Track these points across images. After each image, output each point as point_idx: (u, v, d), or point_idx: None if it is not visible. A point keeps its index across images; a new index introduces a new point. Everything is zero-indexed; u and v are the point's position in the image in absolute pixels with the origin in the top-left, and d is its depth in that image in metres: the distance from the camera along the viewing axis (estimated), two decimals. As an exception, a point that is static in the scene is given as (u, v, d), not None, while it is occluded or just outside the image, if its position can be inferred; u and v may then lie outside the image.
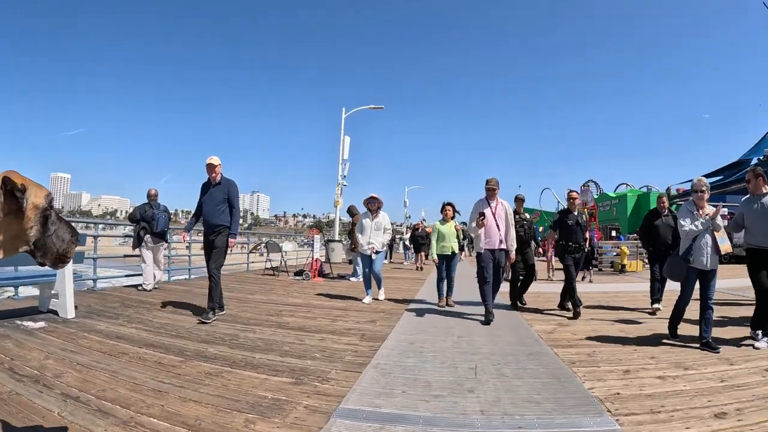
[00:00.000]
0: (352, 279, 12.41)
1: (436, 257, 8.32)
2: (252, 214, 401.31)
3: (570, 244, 7.42)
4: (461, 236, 9.13)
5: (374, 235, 8.51)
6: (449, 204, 8.80)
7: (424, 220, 19.59)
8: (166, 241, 9.63)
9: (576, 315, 6.94)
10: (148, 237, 9.16)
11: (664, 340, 5.36)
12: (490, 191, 6.87)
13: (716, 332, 5.28)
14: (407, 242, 26.19)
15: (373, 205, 8.73)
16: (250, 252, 14.72)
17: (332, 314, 7.01)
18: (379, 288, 8.83)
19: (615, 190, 39.84)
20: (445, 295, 8.39)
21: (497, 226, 6.77)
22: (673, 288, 6.11)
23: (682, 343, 5.20)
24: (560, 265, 7.75)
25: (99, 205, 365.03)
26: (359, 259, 12.68)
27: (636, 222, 32.55)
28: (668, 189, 30.16)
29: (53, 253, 1.81)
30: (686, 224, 5.25)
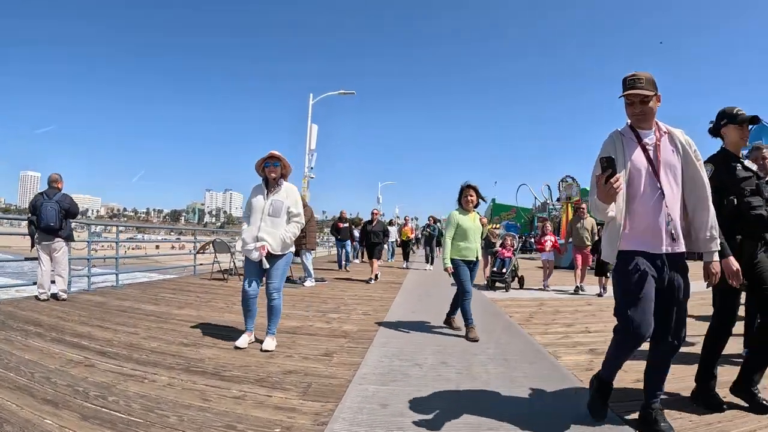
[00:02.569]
0: (307, 284, 10.48)
1: (450, 264, 5.68)
2: (225, 212, 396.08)
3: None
4: (487, 234, 6.41)
5: (269, 226, 4.79)
6: (471, 186, 5.86)
7: (382, 214, 15.71)
8: (65, 239, 7.52)
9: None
10: (38, 233, 7.20)
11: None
12: (638, 106, 2.82)
13: None
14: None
15: (272, 171, 4.85)
16: (198, 253, 12.61)
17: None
18: (271, 329, 4.90)
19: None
20: (452, 316, 6.06)
21: (660, 189, 2.78)
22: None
23: None
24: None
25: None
26: (308, 256, 10.81)
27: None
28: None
29: None
30: None
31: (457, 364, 4.32)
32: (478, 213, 6.03)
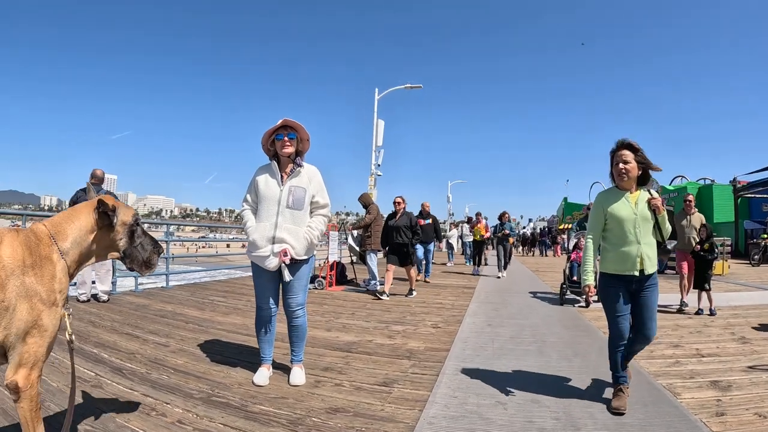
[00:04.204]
0: (371, 287, 9.45)
1: (591, 281, 3.37)
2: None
3: None
4: (667, 226, 3.37)
5: (289, 221, 3.48)
6: (627, 145, 3.31)
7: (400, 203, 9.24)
8: None
9: None
10: None
11: None
12: None
13: None
14: (451, 240, 22.56)
15: (287, 146, 3.50)
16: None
17: (323, 361, 4.16)
18: (298, 355, 3.71)
19: (670, 183, 35.43)
20: (624, 376, 3.33)
21: None
22: None
23: None
24: None
25: (144, 204, 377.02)
26: (372, 257, 9.54)
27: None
28: (734, 180, 26.37)
29: (139, 261, 2.27)
30: None
31: (552, 404, 3.23)
32: (649, 191, 3.39)
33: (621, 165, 3.28)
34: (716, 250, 7.54)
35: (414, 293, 8.84)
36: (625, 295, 3.27)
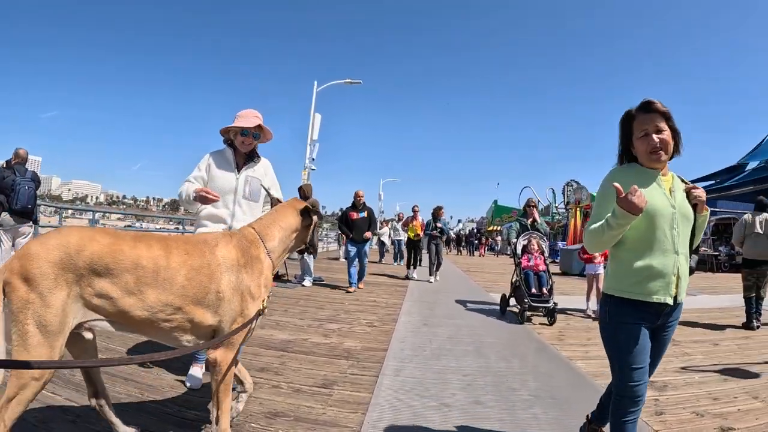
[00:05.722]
0: (305, 283, 9.28)
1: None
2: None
3: None
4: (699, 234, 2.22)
5: (246, 213, 3.29)
6: (659, 109, 2.11)
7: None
8: (36, 223, 6.58)
9: None
10: (5, 216, 6.20)
11: None
12: None
13: None
14: (383, 237, 22.67)
15: (248, 144, 3.31)
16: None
17: (259, 361, 4.02)
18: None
19: (600, 191, 37.20)
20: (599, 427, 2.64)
21: None
22: None
23: None
24: None
25: (69, 189, 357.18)
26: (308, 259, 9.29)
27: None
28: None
29: (315, 248, 2.76)
30: None
31: (495, 405, 3.29)
32: (681, 179, 2.26)
33: (655, 136, 2.07)
34: None
35: None
36: (647, 335, 2.10)
